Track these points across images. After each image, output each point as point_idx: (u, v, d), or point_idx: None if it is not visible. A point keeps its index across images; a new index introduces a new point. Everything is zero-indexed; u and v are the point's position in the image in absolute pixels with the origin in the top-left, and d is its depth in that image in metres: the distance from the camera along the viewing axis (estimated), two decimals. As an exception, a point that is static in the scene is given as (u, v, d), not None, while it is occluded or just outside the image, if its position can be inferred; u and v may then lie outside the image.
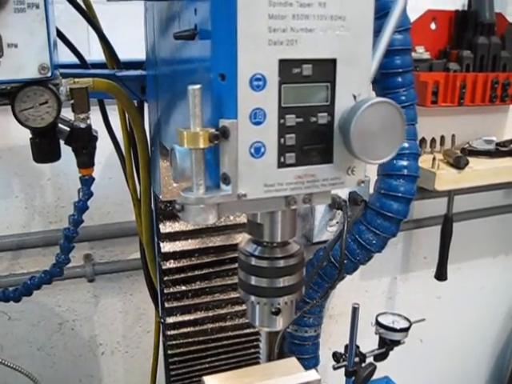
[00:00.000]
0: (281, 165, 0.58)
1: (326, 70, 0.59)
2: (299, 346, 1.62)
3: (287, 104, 0.57)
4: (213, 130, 0.55)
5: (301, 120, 0.58)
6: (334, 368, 1.36)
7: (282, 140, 0.57)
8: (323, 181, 0.61)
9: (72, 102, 0.84)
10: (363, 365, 1.36)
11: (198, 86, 0.54)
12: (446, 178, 1.62)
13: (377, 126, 0.58)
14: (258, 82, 0.55)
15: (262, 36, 0.54)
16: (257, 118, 0.56)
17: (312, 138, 0.59)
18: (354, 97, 0.60)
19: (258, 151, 0.57)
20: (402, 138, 0.59)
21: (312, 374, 0.96)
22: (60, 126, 0.87)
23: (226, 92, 0.55)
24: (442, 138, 1.78)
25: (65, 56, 1.01)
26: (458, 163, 1.62)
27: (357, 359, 1.35)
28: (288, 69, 0.56)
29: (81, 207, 0.92)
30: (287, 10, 0.55)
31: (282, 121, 0.57)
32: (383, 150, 0.59)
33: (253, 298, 0.72)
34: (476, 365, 2.40)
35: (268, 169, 0.58)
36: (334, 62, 0.59)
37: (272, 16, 0.54)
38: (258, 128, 0.56)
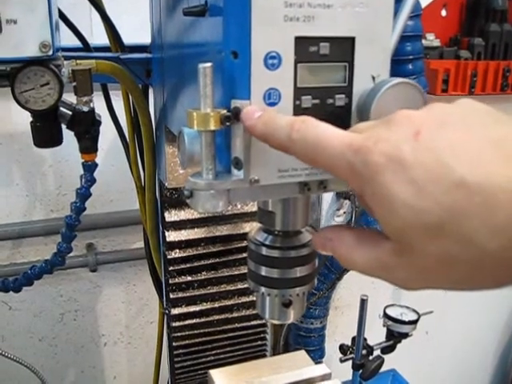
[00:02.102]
0: (296, 149, 0.55)
1: (344, 48, 0.55)
2: (305, 338, 1.60)
3: (303, 84, 0.54)
4: (224, 111, 0.51)
5: (317, 101, 0.55)
6: (341, 360, 1.33)
7: (298, 122, 0.54)
8: (339, 166, 0.58)
9: (74, 84, 0.80)
10: (371, 357, 1.34)
11: (208, 65, 0.50)
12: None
13: (397, 109, 0.54)
14: (272, 61, 0.52)
15: (278, 11, 0.51)
16: (271, 98, 0.52)
17: (328, 121, 0.55)
18: (373, 78, 0.57)
19: (272, 134, 0.53)
20: (424, 121, 0.56)
21: (322, 368, 0.94)
22: (62, 109, 0.84)
23: (239, 71, 0.52)
24: (452, 127, 1.75)
25: (67, 40, 0.98)
26: (469, 153, 1.58)
27: (364, 352, 1.33)
28: (304, 47, 0.53)
29: (83, 194, 0.89)
30: (305, -17, 0.51)
31: (297, 102, 0.54)
32: (404, 134, 0.56)
33: (263, 289, 0.69)
34: (481, 356, 2.38)
35: (282, 153, 0.54)
36: (352, 40, 0.55)
37: (288, -11, 0.51)
38: (272, 109, 0.53)
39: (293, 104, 0.54)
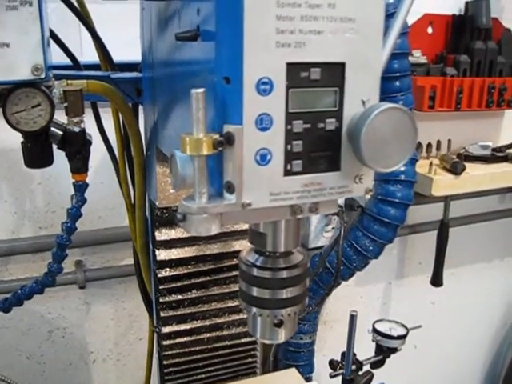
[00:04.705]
0: (287, 172, 0.56)
1: (334, 74, 0.56)
2: (294, 353, 1.60)
3: (294, 109, 0.55)
4: (217, 136, 0.52)
5: (308, 126, 0.56)
6: (331, 376, 1.33)
7: (289, 147, 0.55)
8: (330, 189, 0.59)
9: (65, 104, 0.81)
10: (360, 373, 1.34)
11: (201, 90, 0.51)
12: (443, 183, 1.60)
13: (387, 133, 0.55)
14: (264, 86, 0.53)
15: (270, 38, 0.52)
16: (263, 123, 0.53)
17: (319, 145, 0.57)
18: (363, 102, 0.58)
19: (263, 158, 0.54)
20: (414, 145, 0.57)
21: (313, 386, 0.94)
22: (53, 129, 0.84)
23: (231, 96, 0.53)
24: (438, 142, 1.77)
25: (56, 57, 0.99)
26: (455, 169, 1.60)
27: (354, 367, 1.33)
28: (296, 72, 0.54)
29: (74, 214, 0.89)
30: (296, 11, 0.52)
31: (289, 127, 0.55)
32: (394, 157, 0.57)
33: (254, 309, 0.69)
34: (470, 370, 2.39)
35: (274, 177, 0.55)
36: (342, 65, 0.56)
37: (280, 17, 0.52)
38: (264, 134, 0.53)
39: (284, 129, 0.54)
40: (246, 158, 0.53)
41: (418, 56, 1.61)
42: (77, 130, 0.83)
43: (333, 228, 1.60)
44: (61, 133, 0.85)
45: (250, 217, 0.59)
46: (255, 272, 0.68)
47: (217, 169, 0.55)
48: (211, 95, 0.53)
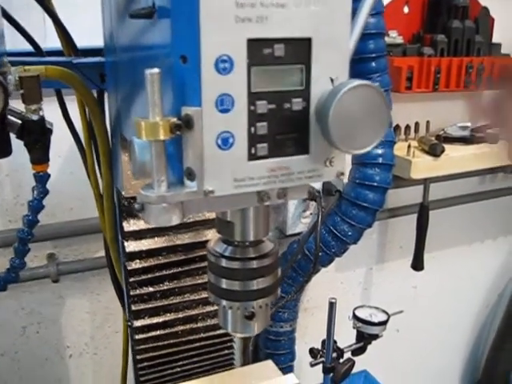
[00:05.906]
0: (252, 157, 0.52)
1: (300, 50, 0.53)
2: (274, 342, 1.58)
3: (257, 89, 0.51)
4: (174, 120, 0.49)
5: (273, 106, 0.52)
6: (312, 365, 1.31)
7: (253, 129, 0.52)
8: (299, 174, 0.56)
9: (22, 91, 0.76)
10: (341, 360, 1.32)
11: (156, 70, 0.47)
12: (422, 165, 1.58)
13: (357, 112, 0.52)
14: (224, 65, 0.49)
15: (228, 12, 0.48)
16: (224, 104, 0.50)
17: (286, 127, 0.54)
18: (332, 80, 0.55)
19: (225, 142, 0.51)
20: (386, 124, 0.54)
21: (290, 378, 0.91)
22: (10, 118, 0.79)
23: (189, 76, 0.49)
24: (417, 124, 1.74)
25: (20, 43, 0.95)
26: (434, 150, 1.58)
27: (334, 355, 1.31)
28: (258, 49, 0.51)
29: (35, 207, 0.85)
30: (256, -18, 0.49)
31: (252, 108, 0.51)
32: (365, 138, 0.53)
33: (224, 302, 0.66)
34: (452, 353, 2.40)
35: (237, 162, 0.52)
36: (308, 41, 0.53)
37: (239, -11, 0.48)
38: (226, 116, 0.50)
39: (247, 110, 0.51)
40: (206, 142, 0.50)
41: (394, 36, 1.58)
42: (35, 118, 0.79)
43: (311, 214, 1.58)
44: (19, 122, 0.80)
45: (213, 205, 0.56)
46: (224, 263, 0.65)
47: (176, 155, 0.51)
48: (169, 78, 0.50)
